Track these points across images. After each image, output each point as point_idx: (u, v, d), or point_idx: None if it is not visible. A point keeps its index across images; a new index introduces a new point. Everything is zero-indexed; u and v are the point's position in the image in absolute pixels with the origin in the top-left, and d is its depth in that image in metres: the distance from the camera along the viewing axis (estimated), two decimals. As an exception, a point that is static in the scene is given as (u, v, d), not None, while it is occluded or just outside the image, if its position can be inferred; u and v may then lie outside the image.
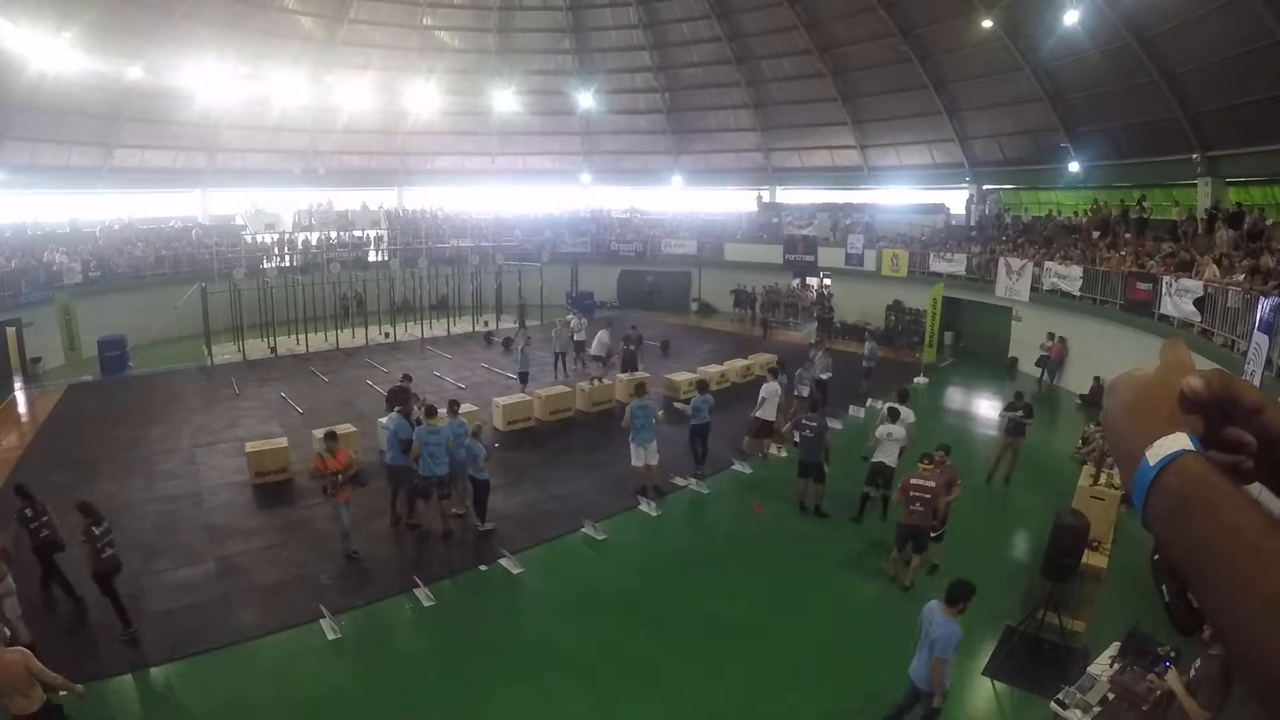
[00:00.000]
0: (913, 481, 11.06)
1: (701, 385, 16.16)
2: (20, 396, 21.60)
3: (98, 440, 17.36)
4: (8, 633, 7.72)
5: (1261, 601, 0.69)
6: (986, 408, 20.01)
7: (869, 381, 21.47)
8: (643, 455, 14.24)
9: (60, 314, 24.39)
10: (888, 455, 13.14)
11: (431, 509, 12.63)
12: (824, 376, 19.07)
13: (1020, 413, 15.11)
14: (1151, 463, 0.82)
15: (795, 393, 18.01)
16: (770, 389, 16.05)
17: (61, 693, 7.20)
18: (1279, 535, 0.72)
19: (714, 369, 22.47)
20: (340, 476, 11.38)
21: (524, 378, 20.70)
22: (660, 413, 15.15)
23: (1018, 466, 15.41)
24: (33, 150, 29.30)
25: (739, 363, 22.97)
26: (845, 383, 20.74)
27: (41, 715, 7.02)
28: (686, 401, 16.68)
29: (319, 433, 15.74)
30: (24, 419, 19.80)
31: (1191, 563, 0.76)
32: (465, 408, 15.26)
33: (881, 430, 13.20)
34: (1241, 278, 15.99)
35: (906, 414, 13.61)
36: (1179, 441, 0.82)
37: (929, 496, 10.89)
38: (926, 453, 11.55)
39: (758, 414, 16.11)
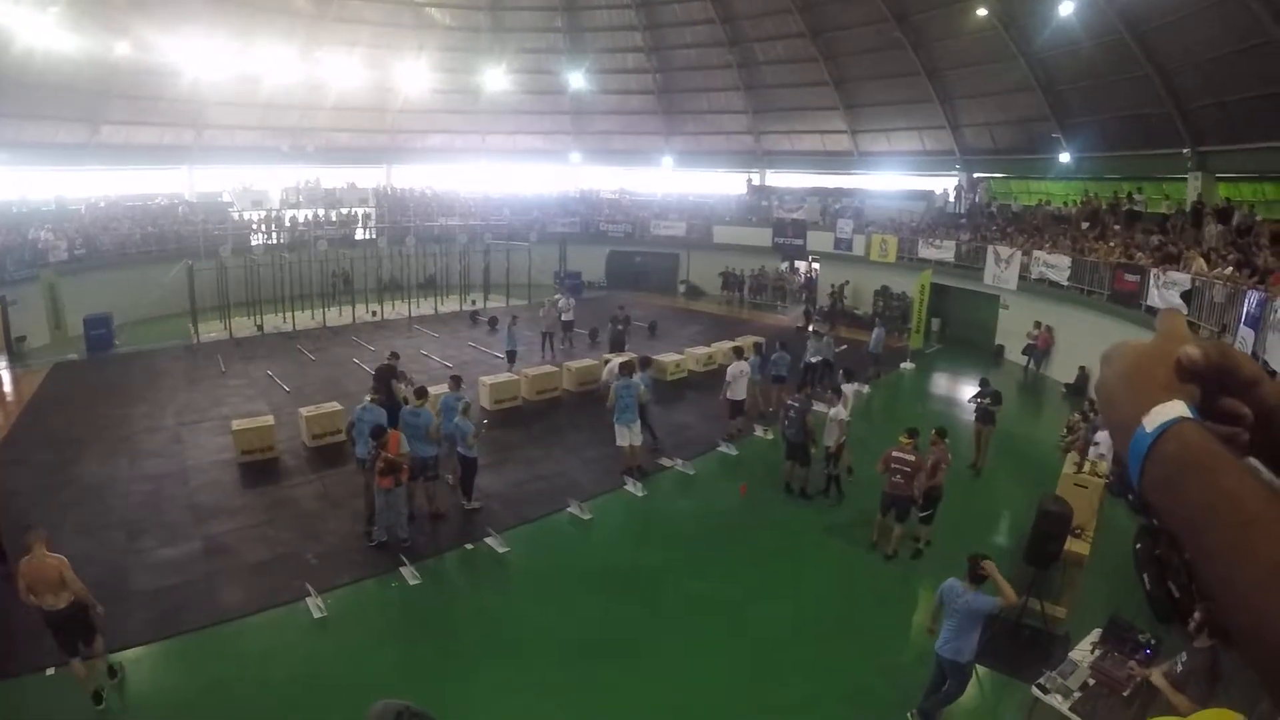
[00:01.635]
0: (894, 454, 11.62)
1: (644, 362, 16.27)
2: (5, 375, 21.41)
3: (83, 419, 17.25)
4: (44, 534, 8.28)
5: (1261, 569, 0.68)
6: (970, 394, 20.07)
7: (876, 367, 21.77)
8: (627, 435, 14.30)
9: (45, 292, 24.19)
10: (829, 437, 13.57)
11: (419, 490, 12.56)
12: (814, 360, 19.19)
13: (987, 399, 15.18)
14: (1149, 430, 0.81)
15: (775, 376, 18.06)
16: (736, 369, 16.18)
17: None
18: (1277, 503, 0.71)
19: (701, 350, 22.53)
20: (384, 458, 11.10)
21: (511, 356, 20.72)
22: (643, 390, 15.19)
23: (989, 454, 15.53)
24: (18, 126, 28.94)
25: (725, 345, 22.94)
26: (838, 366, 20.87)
27: (67, 612, 7.98)
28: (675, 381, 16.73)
29: (306, 410, 15.82)
30: (9, 398, 19.65)
31: (1190, 530, 0.76)
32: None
33: (830, 413, 13.65)
34: (1229, 270, 16.08)
35: (848, 389, 14.59)
36: (1177, 409, 0.81)
37: (908, 469, 11.43)
38: (910, 428, 11.93)
39: (727, 395, 16.26)
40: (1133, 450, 0.83)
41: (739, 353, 17.19)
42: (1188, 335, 0.91)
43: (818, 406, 14.86)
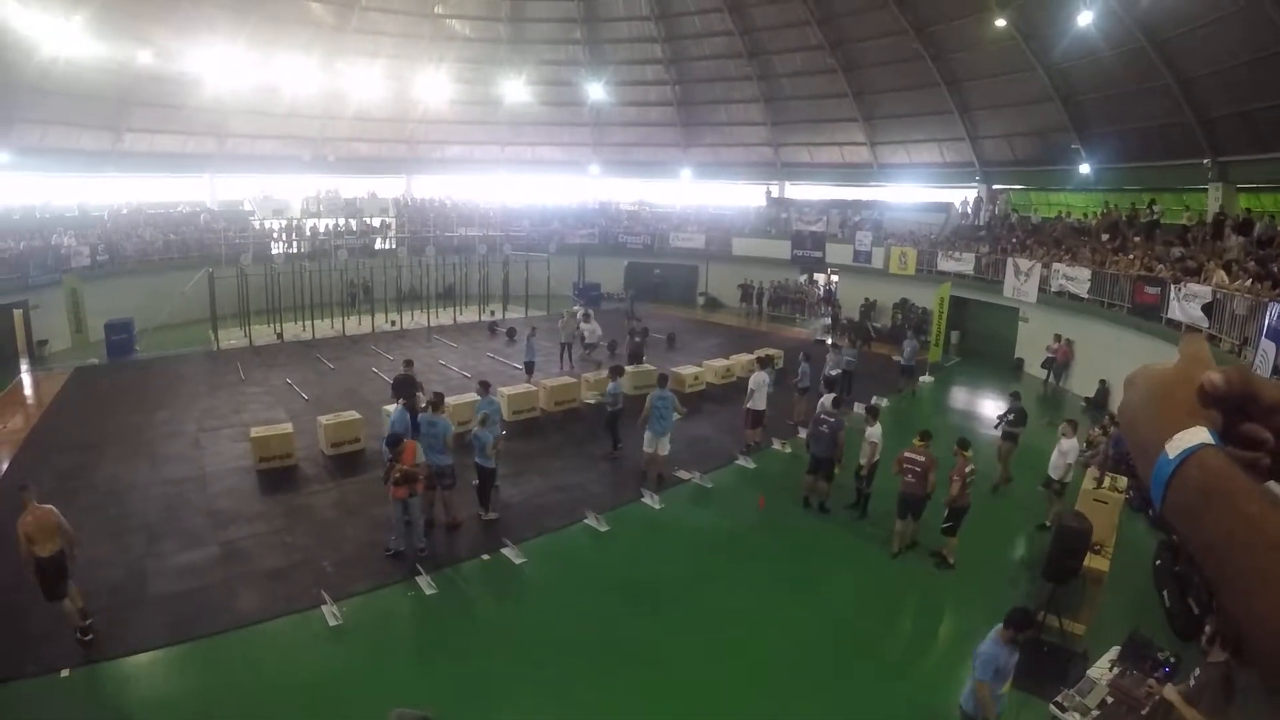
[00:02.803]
0: (905, 455, 12.09)
1: (615, 371, 16.36)
2: (27, 379, 21.66)
3: (103, 423, 17.40)
4: (33, 489, 9.38)
5: None
6: (990, 408, 19.97)
7: (908, 379, 21.83)
8: (654, 443, 14.34)
9: (68, 297, 24.48)
10: (862, 455, 13.57)
11: (435, 499, 12.55)
12: (834, 373, 19.16)
13: (1011, 416, 15.04)
14: (1171, 455, 0.82)
15: (801, 388, 18.26)
16: (759, 379, 16.16)
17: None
18: None
19: (719, 363, 22.49)
20: (400, 470, 11.10)
21: (530, 367, 20.74)
22: (683, 409, 15.24)
23: (1007, 475, 15.39)
24: (43, 132, 29.33)
25: (744, 357, 22.95)
26: (867, 379, 20.96)
27: (55, 559, 8.95)
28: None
29: (324, 419, 15.88)
30: (30, 401, 19.86)
31: (1211, 557, 0.76)
32: (470, 398, 15.32)
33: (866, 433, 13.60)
34: (1249, 283, 15.96)
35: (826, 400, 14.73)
36: (1199, 435, 0.82)
37: (919, 469, 11.81)
38: (923, 430, 12.47)
39: (748, 405, 16.27)
40: (1155, 476, 0.83)
41: (762, 363, 17.21)
42: (1210, 359, 0.92)
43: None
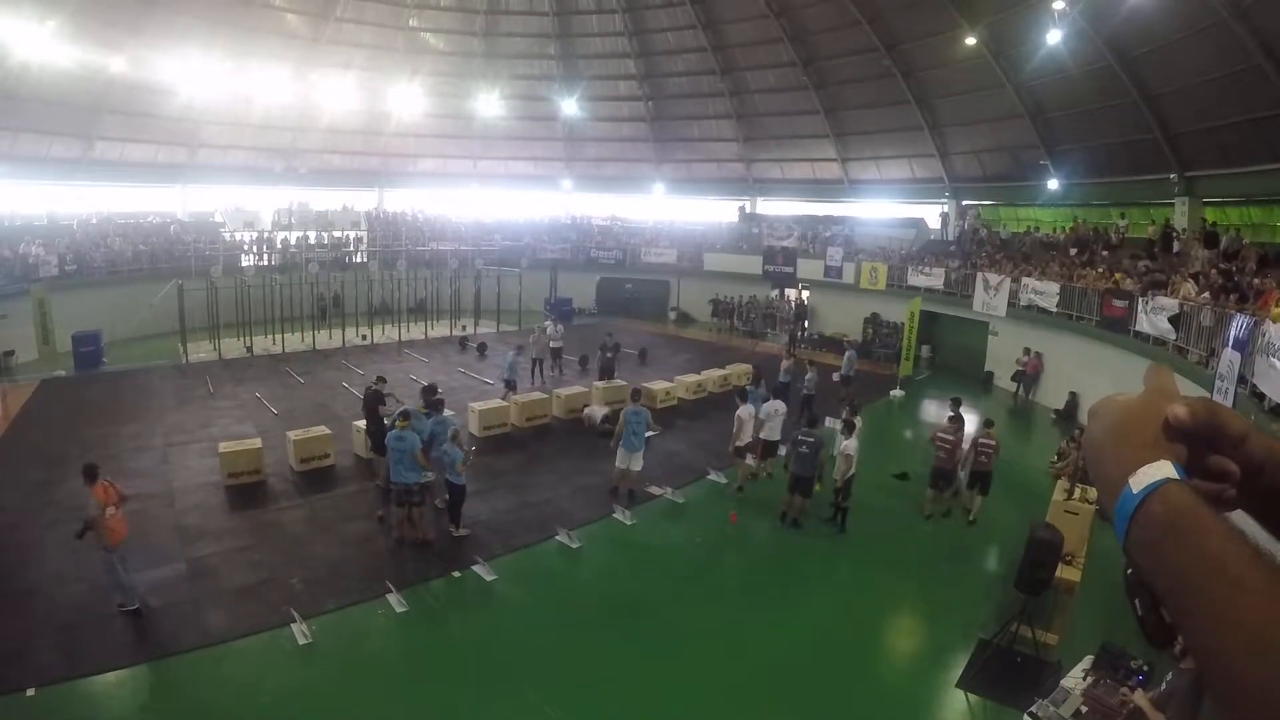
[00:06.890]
0: (937, 434, 14.19)
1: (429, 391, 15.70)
2: (-9, 391, 21.31)
3: (70, 437, 17.08)
4: None
5: (1245, 636, 0.67)
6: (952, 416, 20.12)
7: (847, 389, 21.63)
8: (626, 459, 14.26)
9: (35, 307, 24.12)
10: (837, 470, 13.47)
11: (404, 516, 12.41)
12: (813, 391, 19.03)
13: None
14: (1135, 490, 0.81)
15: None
16: (771, 408, 15.33)
17: None
18: (1264, 567, 0.70)
19: (691, 378, 22.47)
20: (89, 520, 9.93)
21: (511, 385, 20.22)
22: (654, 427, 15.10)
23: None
24: (12, 139, 28.97)
25: (716, 372, 22.98)
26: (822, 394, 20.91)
27: None
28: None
29: (294, 434, 15.68)
30: (-6, 414, 19.54)
31: (1174, 594, 0.75)
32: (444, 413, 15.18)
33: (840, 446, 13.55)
34: (1206, 295, 16.22)
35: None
36: (1163, 469, 0.81)
37: (949, 446, 13.89)
38: (954, 415, 14.62)
39: (763, 436, 15.30)
40: (1119, 510, 0.83)
41: (770, 394, 16.19)
42: (1176, 391, 0.92)
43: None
